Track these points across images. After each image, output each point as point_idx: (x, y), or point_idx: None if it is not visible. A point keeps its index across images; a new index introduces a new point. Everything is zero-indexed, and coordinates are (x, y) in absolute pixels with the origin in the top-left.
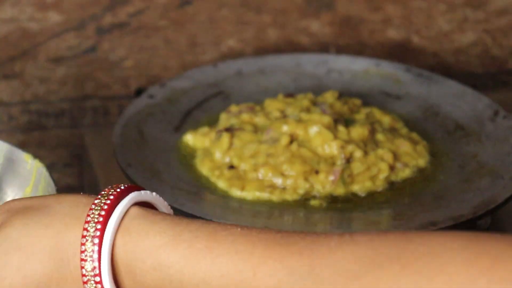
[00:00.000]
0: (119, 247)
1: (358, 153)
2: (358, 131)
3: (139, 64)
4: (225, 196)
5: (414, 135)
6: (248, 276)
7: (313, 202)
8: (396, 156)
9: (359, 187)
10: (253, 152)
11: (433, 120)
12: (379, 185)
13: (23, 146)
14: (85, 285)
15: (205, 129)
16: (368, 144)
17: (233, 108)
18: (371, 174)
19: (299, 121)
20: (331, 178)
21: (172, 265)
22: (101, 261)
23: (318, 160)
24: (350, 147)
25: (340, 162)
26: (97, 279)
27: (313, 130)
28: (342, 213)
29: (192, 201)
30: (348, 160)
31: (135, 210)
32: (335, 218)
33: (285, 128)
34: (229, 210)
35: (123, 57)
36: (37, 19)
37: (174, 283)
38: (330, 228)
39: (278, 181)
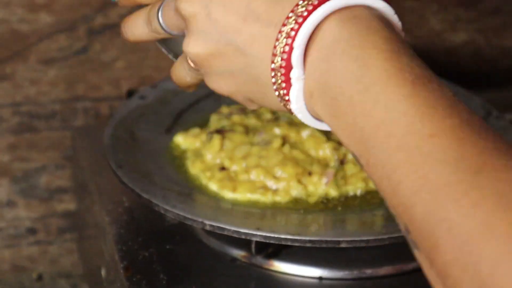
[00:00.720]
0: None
1: (350, 155)
2: None
3: (130, 65)
4: (216, 198)
5: None
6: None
7: (306, 204)
8: None
9: (353, 188)
10: (245, 154)
11: None
12: (373, 185)
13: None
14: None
15: (196, 131)
16: None
17: (224, 110)
18: (364, 175)
19: (291, 123)
20: (324, 180)
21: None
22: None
23: (311, 161)
24: (344, 149)
25: (333, 164)
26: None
27: (306, 133)
28: (335, 215)
29: (184, 203)
30: (342, 161)
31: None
32: (328, 219)
33: (277, 130)
34: (221, 212)
35: (114, 58)
36: (28, 20)
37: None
38: (324, 229)
39: (270, 183)
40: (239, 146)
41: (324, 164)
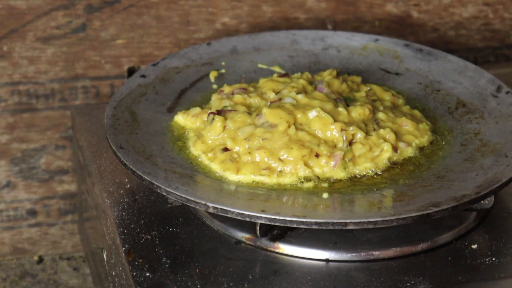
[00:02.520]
0: None
1: (359, 135)
2: (359, 111)
3: (131, 43)
4: (220, 179)
5: (416, 113)
6: None
7: (312, 185)
8: (398, 136)
9: (361, 169)
10: (248, 135)
11: (434, 97)
12: (381, 166)
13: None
14: None
15: (196, 110)
16: (369, 124)
17: (226, 89)
18: (373, 156)
19: (296, 106)
20: (332, 163)
21: None
22: None
23: (318, 142)
24: (351, 129)
25: (341, 145)
26: None
27: (312, 114)
28: (342, 195)
29: (186, 185)
30: (350, 142)
31: None
32: (335, 200)
33: (281, 113)
34: (224, 193)
35: (114, 35)
36: None
37: None
38: (331, 211)
39: (275, 164)
40: (242, 127)
41: (331, 146)
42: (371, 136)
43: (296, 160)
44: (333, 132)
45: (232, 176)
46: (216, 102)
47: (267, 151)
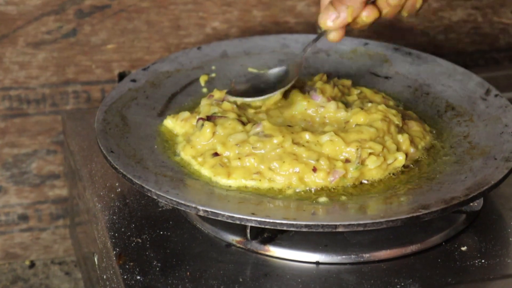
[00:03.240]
0: None
1: (375, 149)
2: (378, 126)
3: (121, 48)
4: (210, 183)
5: (411, 113)
6: None
7: (303, 193)
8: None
9: (367, 178)
10: (239, 142)
11: (423, 100)
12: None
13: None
14: None
15: (185, 114)
16: (385, 135)
17: (216, 94)
18: (386, 166)
19: (306, 128)
20: (331, 178)
21: None
22: None
23: (318, 157)
24: (367, 146)
25: (354, 167)
26: None
27: (325, 138)
28: (331, 199)
29: (177, 188)
30: (363, 161)
31: None
32: (324, 204)
33: (282, 129)
34: (215, 197)
35: (105, 40)
36: (16, 2)
37: None
38: (321, 212)
39: (267, 172)
40: (234, 134)
41: (333, 159)
42: (386, 145)
43: (289, 174)
44: (347, 155)
45: (222, 181)
46: (205, 107)
47: (257, 157)
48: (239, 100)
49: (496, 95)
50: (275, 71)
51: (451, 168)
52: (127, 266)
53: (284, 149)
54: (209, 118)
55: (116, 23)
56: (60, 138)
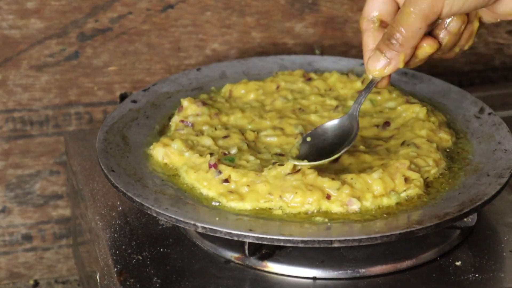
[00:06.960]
0: None
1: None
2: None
3: (123, 70)
4: (209, 200)
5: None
6: None
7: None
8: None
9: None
10: (252, 175)
11: None
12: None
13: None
14: None
15: (178, 147)
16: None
17: (188, 104)
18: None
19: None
20: (348, 208)
21: None
22: None
23: (331, 185)
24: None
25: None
26: None
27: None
28: (328, 217)
29: (176, 206)
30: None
31: None
32: (320, 222)
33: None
34: (213, 214)
35: (106, 62)
36: (19, 26)
37: None
38: (317, 230)
39: (277, 200)
40: (248, 173)
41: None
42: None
43: (302, 201)
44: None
45: (232, 204)
46: (176, 126)
47: (268, 185)
48: (310, 165)
49: (489, 113)
50: (334, 123)
51: (445, 185)
52: (128, 283)
53: (296, 177)
54: (222, 162)
55: (117, 46)
56: (63, 159)
